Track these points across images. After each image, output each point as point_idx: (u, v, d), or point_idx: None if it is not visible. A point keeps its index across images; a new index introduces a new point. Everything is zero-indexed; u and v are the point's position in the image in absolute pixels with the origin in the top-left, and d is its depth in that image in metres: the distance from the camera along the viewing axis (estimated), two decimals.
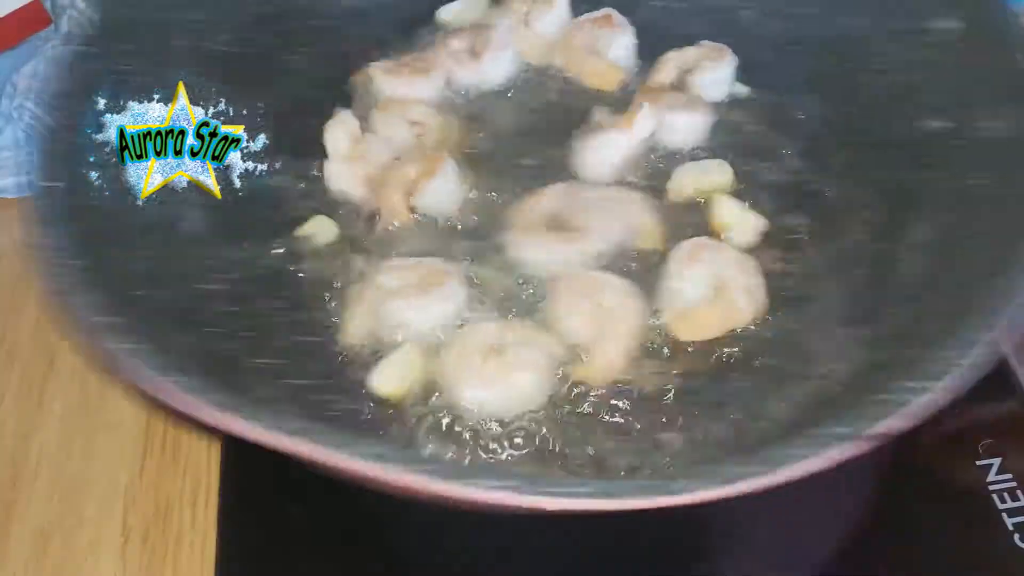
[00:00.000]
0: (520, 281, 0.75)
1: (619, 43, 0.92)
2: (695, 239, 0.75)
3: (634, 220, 0.77)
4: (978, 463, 0.72)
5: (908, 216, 0.74)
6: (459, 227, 0.79)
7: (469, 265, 0.75)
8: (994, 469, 0.72)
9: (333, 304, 0.74)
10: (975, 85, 0.74)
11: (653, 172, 0.83)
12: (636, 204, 0.78)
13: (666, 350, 0.71)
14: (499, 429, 0.67)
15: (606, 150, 0.82)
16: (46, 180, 0.61)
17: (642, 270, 0.75)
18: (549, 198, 0.79)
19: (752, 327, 0.72)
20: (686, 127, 0.85)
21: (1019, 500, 0.71)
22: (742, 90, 0.90)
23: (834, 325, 0.71)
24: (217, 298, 0.69)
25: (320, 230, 0.78)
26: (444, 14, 0.96)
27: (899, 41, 0.81)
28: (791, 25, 0.90)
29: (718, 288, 0.72)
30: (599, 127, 0.83)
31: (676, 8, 0.94)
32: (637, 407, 0.68)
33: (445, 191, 0.79)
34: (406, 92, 0.87)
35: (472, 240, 0.77)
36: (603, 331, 0.69)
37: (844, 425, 0.50)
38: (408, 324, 0.71)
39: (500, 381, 0.66)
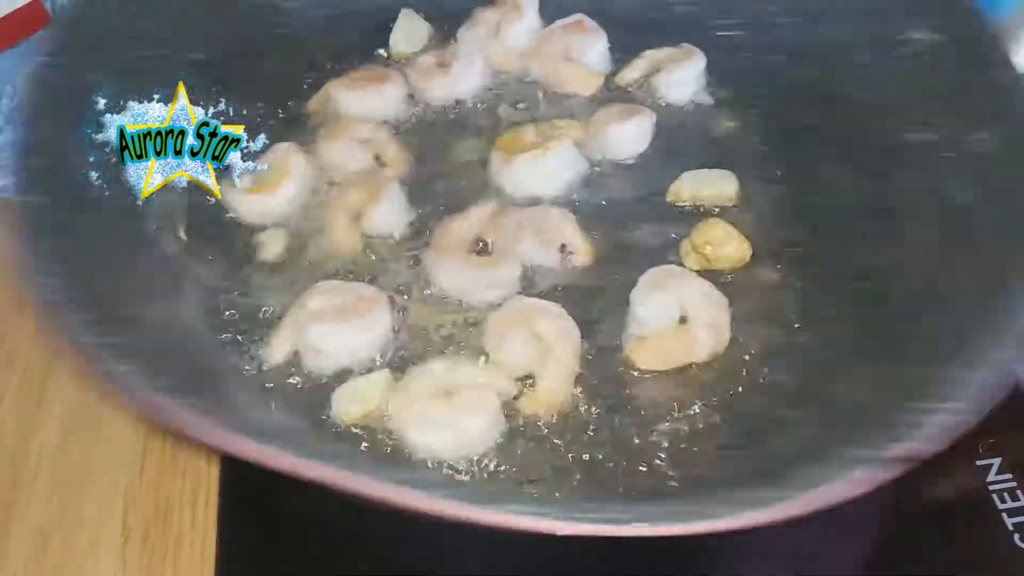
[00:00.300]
0: (461, 309, 0.74)
1: (594, 48, 0.92)
2: (663, 267, 0.74)
3: (560, 238, 0.77)
4: (978, 463, 0.72)
5: (898, 229, 0.73)
6: (406, 249, 0.78)
7: (402, 296, 0.74)
8: (994, 469, 0.72)
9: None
10: (954, 98, 0.74)
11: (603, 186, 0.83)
12: (560, 222, 0.77)
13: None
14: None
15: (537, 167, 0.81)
16: (24, 195, 0.61)
17: (584, 288, 0.75)
18: (473, 220, 0.78)
19: (754, 343, 0.71)
20: (625, 137, 0.84)
21: (1019, 500, 0.71)
22: (706, 99, 0.90)
23: (839, 343, 0.70)
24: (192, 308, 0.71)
25: (270, 243, 0.77)
26: (394, 45, 0.94)
27: (879, 52, 0.81)
28: (771, 35, 0.90)
29: (681, 319, 0.71)
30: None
31: (654, 17, 0.94)
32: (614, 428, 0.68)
33: (392, 214, 0.78)
34: (366, 106, 0.86)
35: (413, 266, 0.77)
36: (542, 360, 0.69)
37: (868, 447, 0.49)
38: (329, 351, 0.70)
39: (449, 425, 0.65)
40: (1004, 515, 0.70)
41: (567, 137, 0.83)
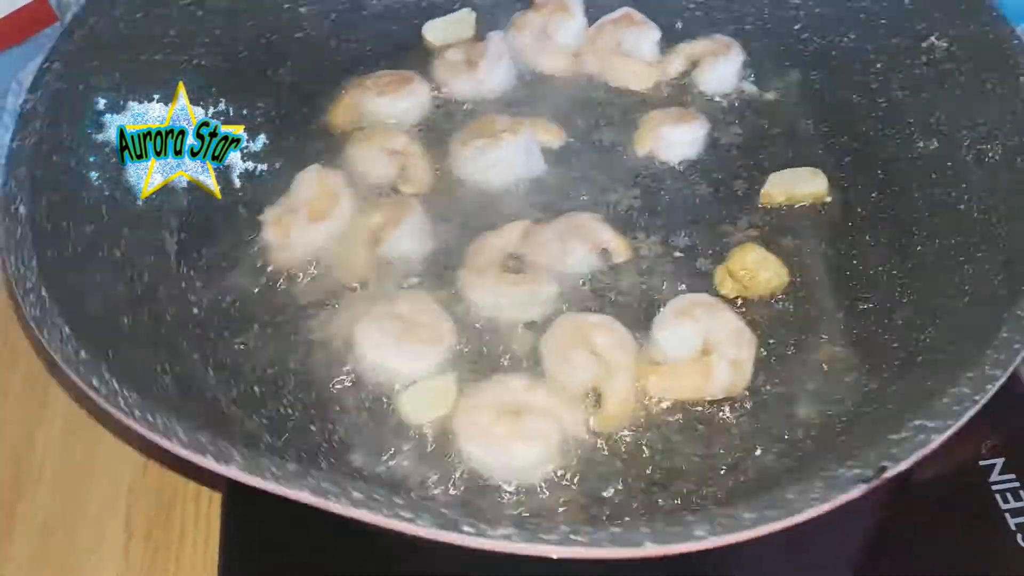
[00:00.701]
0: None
1: (648, 40, 0.91)
2: (694, 295, 0.72)
3: (598, 241, 0.76)
4: (981, 463, 0.72)
5: (909, 238, 0.74)
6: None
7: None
8: (997, 469, 0.72)
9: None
10: (968, 107, 0.74)
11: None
12: (594, 225, 0.77)
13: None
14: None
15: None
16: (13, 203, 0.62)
17: (625, 287, 0.75)
18: (507, 237, 0.76)
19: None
20: (681, 140, 0.84)
21: (1022, 500, 0.70)
22: (751, 88, 0.90)
23: (837, 350, 0.71)
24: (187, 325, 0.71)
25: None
26: (429, 31, 0.94)
27: (892, 59, 0.82)
28: (783, 39, 0.91)
29: (703, 351, 0.69)
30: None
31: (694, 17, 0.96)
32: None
33: (412, 239, 0.76)
34: (394, 111, 0.86)
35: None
36: (606, 375, 0.68)
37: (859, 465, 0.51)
38: (369, 358, 0.69)
39: (505, 448, 0.63)
40: (1007, 515, 0.70)
41: (525, 133, 0.82)
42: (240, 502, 0.72)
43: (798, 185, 0.81)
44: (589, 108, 0.89)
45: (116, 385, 0.53)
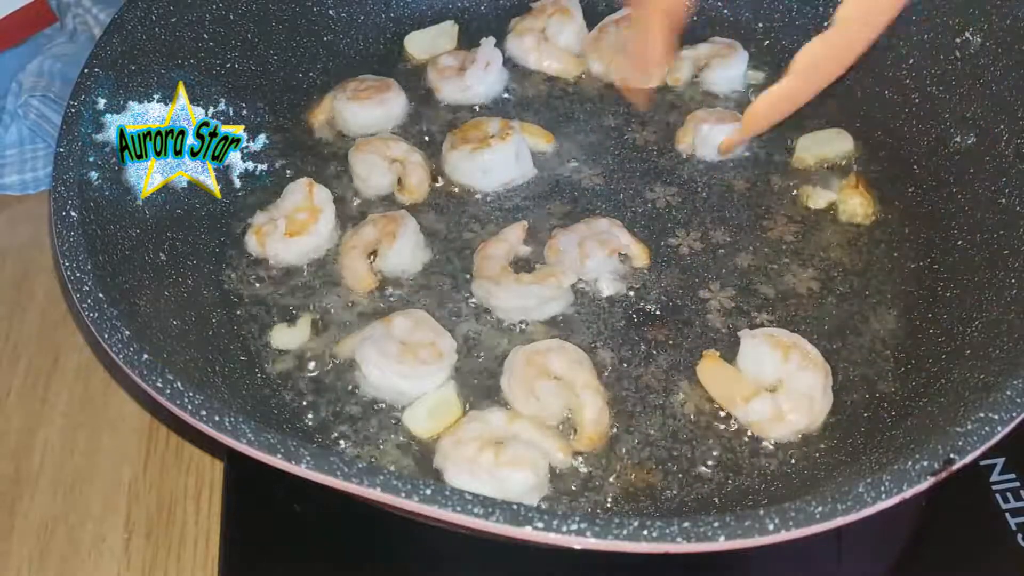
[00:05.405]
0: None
1: None
2: (799, 339, 0.69)
3: (617, 245, 0.76)
4: (981, 463, 0.72)
5: (948, 233, 0.74)
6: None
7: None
8: (997, 469, 0.72)
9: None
10: (1004, 101, 0.74)
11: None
12: (614, 230, 0.77)
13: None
14: None
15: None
16: (63, 208, 0.62)
17: (667, 285, 0.76)
18: (509, 240, 0.77)
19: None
20: (717, 139, 0.84)
21: (1022, 500, 0.70)
22: (757, 75, 0.91)
23: (883, 348, 0.72)
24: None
25: (287, 338, 0.74)
26: (411, 43, 0.94)
27: (925, 54, 0.82)
28: (811, 36, 0.90)
29: (769, 385, 0.68)
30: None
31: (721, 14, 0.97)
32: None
33: (408, 251, 0.76)
34: (370, 118, 0.86)
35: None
36: (574, 395, 0.67)
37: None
38: (370, 378, 0.69)
39: (493, 477, 0.63)
40: (1007, 515, 0.70)
41: (515, 138, 0.82)
42: (240, 502, 0.72)
43: (826, 145, 0.83)
44: (614, 108, 0.89)
45: (180, 386, 0.53)
